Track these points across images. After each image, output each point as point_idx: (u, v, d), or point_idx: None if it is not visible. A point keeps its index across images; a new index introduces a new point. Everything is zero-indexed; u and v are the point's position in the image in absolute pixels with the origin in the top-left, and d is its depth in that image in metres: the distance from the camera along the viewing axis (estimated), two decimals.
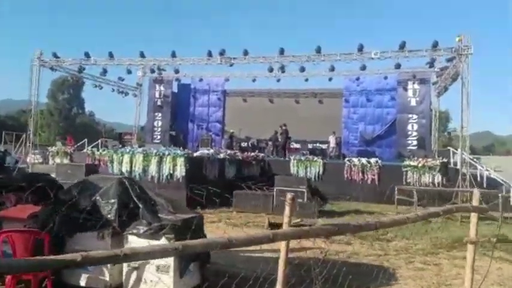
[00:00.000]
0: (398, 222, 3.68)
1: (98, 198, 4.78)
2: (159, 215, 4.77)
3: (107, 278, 4.70)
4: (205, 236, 4.93)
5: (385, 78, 22.26)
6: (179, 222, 4.61)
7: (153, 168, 12.65)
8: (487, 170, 17.97)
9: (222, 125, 25.74)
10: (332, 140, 22.23)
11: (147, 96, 26.72)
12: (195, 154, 13.58)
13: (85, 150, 18.45)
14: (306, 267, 4.57)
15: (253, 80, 23.80)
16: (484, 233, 6.68)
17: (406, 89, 21.48)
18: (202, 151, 14.38)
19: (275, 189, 12.16)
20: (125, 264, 4.69)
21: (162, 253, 2.34)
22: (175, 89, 26.60)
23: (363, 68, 19.19)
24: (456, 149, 20.00)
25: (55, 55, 21.22)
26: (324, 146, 23.61)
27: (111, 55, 20.87)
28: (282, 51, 19.16)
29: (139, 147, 16.24)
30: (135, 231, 4.59)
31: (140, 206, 4.77)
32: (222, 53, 19.71)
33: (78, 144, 24.11)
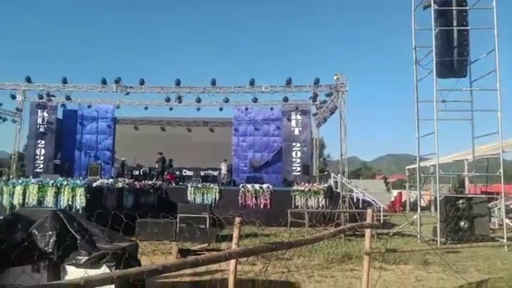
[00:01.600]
0: (318, 238, 4.54)
1: (33, 231, 4.88)
2: (97, 244, 5.03)
3: None
4: (140, 263, 5.29)
5: (271, 109, 24.01)
6: (119, 251, 4.93)
7: (49, 200, 12.14)
8: (362, 192, 20.40)
9: (112, 153, 25.10)
10: (224, 167, 23.15)
11: (27, 122, 25.06)
12: (94, 184, 13.32)
13: None
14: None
15: (146, 108, 23.87)
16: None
17: (290, 120, 23.42)
18: (102, 181, 14.14)
19: (178, 216, 12.50)
20: None
21: (103, 281, 2.73)
22: (60, 115, 25.34)
23: (255, 100, 20.70)
24: (333, 173, 22.31)
25: None
26: (216, 173, 24.44)
27: None
28: (178, 82, 19.76)
29: (19, 177, 15.30)
30: (74, 261, 4.78)
31: (78, 237, 4.98)
32: (117, 81, 19.59)
33: None
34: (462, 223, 12.54)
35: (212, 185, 18.12)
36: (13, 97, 20.67)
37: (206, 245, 10.55)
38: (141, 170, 25.03)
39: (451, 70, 13.73)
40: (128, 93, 20.18)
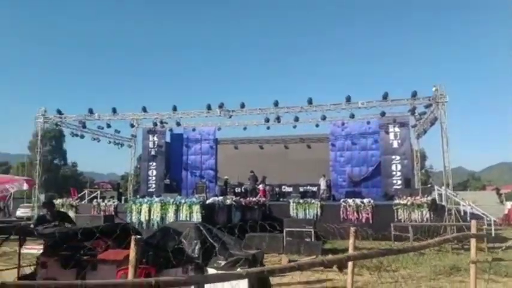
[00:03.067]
0: (425, 246, 5.03)
1: (182, 240, 5.98)
2: (231, 251, 5.99)
3: None
4: None
5: (368, 123, 24.10)
6: (250, 256, 5.84)
7: (170, 216, 13.71)
8: (469, 205, 19.62)
9: (215, 172, 26.91)
10: (323, 183, 23.66)
11: (139, 147, 27.95)
12: (207, 201, 14.71)
13: (94, 202, 19.27)
14: None
15: (244, 128, 25.29)
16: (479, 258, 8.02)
17: (387, 132, 23.32)
18: (214, 198, 15.54)
19: (284, 230, 13.33)
20: None
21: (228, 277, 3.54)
22: (168, 139, 27.84)
23: (352, 116, 21.16)
24: (437, 186, 21.71)
25: (59, 112, 22.39)
26: (315, 189, 25.02)
27: (114, 110, 22.19)
28: (276, 103, 20.91)
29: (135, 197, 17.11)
30: (215, 264, 5.77)
31: (216, 245, 5.98)
32: (221, 106, 21.29)
33: (78, 196, 24.83)
34: None
35: (313, 200, 18.77)
36: (132, 126, 23.35)
37: (314, 257, 11.21)
38: (243, 187, 26.46)
39: None
40: (230, 117, 21.79)
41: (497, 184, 68.50)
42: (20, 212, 29.99)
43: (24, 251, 10.40)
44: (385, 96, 19.59)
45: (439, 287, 8.39)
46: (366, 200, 18.11)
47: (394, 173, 22.70)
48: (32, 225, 8.25)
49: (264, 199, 20.16)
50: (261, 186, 22.95)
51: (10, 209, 30.91)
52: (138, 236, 3.52)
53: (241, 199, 18.07)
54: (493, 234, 16.56)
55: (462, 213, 17.85)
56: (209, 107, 21.71)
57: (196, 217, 13.56)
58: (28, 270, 7.42)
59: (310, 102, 20.54)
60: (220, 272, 5.50)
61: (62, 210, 14.59)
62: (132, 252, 3.47)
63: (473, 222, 6.29)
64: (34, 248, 10.78)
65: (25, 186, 5.79)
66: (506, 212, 30.33)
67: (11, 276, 7.22)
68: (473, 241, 6.19)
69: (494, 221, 20.05)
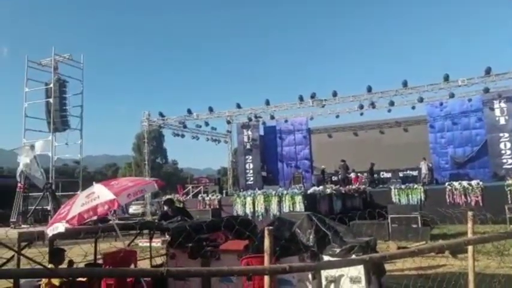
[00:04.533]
0: None
1: (296, 230, 6.29)
2: (344, 239, 6.18)
3: None
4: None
5: (469, 100, 22.69)
6: (364, 243, 5.98)
7: (274, 207, 14.21)
8: None
9: (311, 162, 27.12)
10: (423, 166, 22.76)
11: (235, 141, 29.02)
12: (308, 191, 14.99)
13: (199, 197, 20.47)
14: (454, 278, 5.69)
15: (337, 116, 25.14)
16: None
17: (492, 109, 21.74)
18: (314, 188, 15.78)
19: (389, 217, 13.17)
20: (323, 279, 6.08)
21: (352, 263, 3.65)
22: (261, 132, 28.54)
23: (452, 95, 20.08)
24: None
25: (161, 114, 24.07)
26: (415, 173, 24.16)
27: (211, 109, 23.34)
28: (369, 89, 20.53)
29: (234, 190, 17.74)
30: (330, 252, 6.00)
31: (328, 233, 6.20)
32: (313, 96, 21.41)
33: (183, 192, 26.49)
34: None
35: (416, 185, 18.18)
36: (228, 122, 24.39)
37: (424, 242, 10.99)
38: (339, 176, 26.32)
39: None
40: (323, 106, 21.80)
41: None
42: (133, 209, 32.36)
43: (144, 244, 11.52)
44: (488, 71, 18.31)
45: None
46: (473, 182, 17.14)
47: (503, 151, 21.14)
48: (156, 221, 9.14)
49: (363, 186, 19.94)
50: (352, 175, 22.71)
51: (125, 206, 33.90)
52: (271, 227, 3.85)
53: (341, 187, 18.08)
54: None
55: None
56: (301, 98, 21.93)
57: (299, 207, 13.88)
58: (158, 261, 8.22)
59: (405, 84, 19.87)
60: (341, 258, 5.72)
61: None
62: (266, 241, 3.82)
63: None
64: (153, 242, 11.88)
65: (157, 187, 6.46)
66: None
67: (145, 266, 8.06)
68: None
69: None
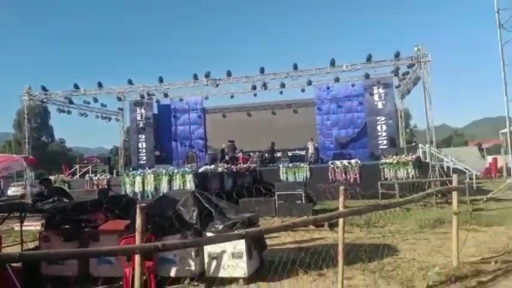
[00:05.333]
0: (410, 200, 5.42)
1: (180, 207, 6.29)
2: (227, 215, 6.34)
3: (192, 268, 6.19)
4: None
5: (353, 85, 24.41)
6: (246, 219, 6.19)
7: (164, 186, 14.04)
8: (452, 161, 20.32)
9: (205, 141, 27.15)
10: (310, 146, 24.08)
11: (127, 120, 27.96)
12: (199, 170, 15.02)
13: (87, 177, 19.45)
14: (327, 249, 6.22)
15: (232, 97, 25.37)
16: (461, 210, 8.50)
17: (372, 94, 23.63)
18: (206, 167, 15.85)
19: (276, 194, 13.75)
20: (205, 255, 6.20)
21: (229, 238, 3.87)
22: (155, 111, 27.80)
23: (337, 79, 21.40)
24: (421, 144, 22.35)
25: (44, 88, 22.21)
26: (303, 152, 25.49)
27: (100, 84, 22.08)
28: (262, 70, 21.02)
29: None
30: (213, 229, 6.12)
31: (212, 210, 6.31)
32: (207, 75, 21.31)
33: (70, 171, 24.96)
34: None
35: (302, 164, 19.22)
36: (118, 99, 23.31)
37: (306, 217, 11.66)
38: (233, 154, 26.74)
39: None
40: (217, 85, 21.85)
41: (481, 139, 70.02)
42: (11, 191, 29.85)
43: (24, 228, 10.69)
44: (368, 59, 19.83)
45: (424, 239, 8.87)
46: (353, 161, 18.61)
47: (379, 133, 23.17)
48: (31, 202, 8.48)
49: (254, 165, 20.53)
50: (240, 154, 23.26)
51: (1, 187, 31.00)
52: (144, 205, 3.80)
53: (233, 166, 18.42)
54: (475, 187, 17.28)
55: (445, 169, 18.51)
56: (196, 77, 21.73)
57: (190, 186, 13.89)
58: (31, 246, 7.68)
59: (295, 67, 20.72)
60: (219, 234, 5.85)
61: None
62: (138, 219, 3.77)
63: (455, 176, 6.74)
64: (32, 225, 11.06)
65: (25, 164, 5.97)
66: (487, 165, 31.31)
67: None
68: (454, 194, 6.64)
69: (476, 175, 20.86)
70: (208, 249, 6.05)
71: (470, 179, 18.18)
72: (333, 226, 10.41)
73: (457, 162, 21.24)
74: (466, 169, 20.39)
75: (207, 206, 6.34)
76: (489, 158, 34.24)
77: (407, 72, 21.18)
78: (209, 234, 6.11)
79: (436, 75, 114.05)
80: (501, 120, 18.42)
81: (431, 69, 18.31)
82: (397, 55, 19.39)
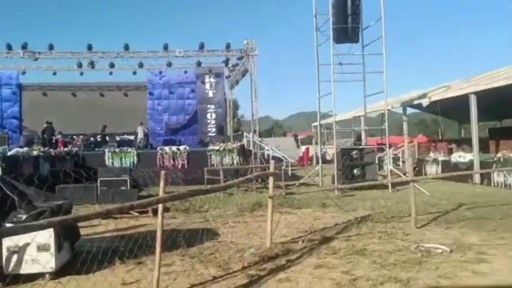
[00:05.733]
0: (230, 185, 5.62)
1: None
2: (34, 204, 5.68)
3: None
4: None
5: (186, 72, 24.44)
6: (56, 207, 5.63)
7: None
8: (272, 149, 22.06)
9: (20, 121, 24.14)
10: (140, 131, 23.38)
11: None
12: (9, 153, 13.23)
13: None
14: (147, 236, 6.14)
15: (54, 73, 23.02)
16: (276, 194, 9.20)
17: (204, 82, 24.12)
18: (17, 149, 14.02)
19: (98, 180, 12.97)
20: (4, 250, 5.45)
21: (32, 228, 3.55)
22: None
23: (169, 64, 21.20)
24: (246, 133, 23.74)
25: None
26: (132, 137, 24.62)
27: None
28: (90, 47, 19.51)
29: None
30: (15, 219, 5.41)
31: (15, 198, 5.58)
32: (24, 47, 18.82)
33: None
34: (355, 171, 14.54)
35: (130, 149, 18.57)
36: None
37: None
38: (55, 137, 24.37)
39: (346, 36, 15.31)
40: (36, 59, 19.52)
41: (297, 131, 77.94)
42: None
43: None
44: (201, 46, 20.13)
45: (243, 222, 9.38)
46: (181, 147, 18.73)
47: (209, 121, 23.81)
48: None
49: (76, 149, 19.04)
50: (59, 137, 21.47)
51: None
52: None
53: (51, 149, 16.76)
54: (290, 174, 19.09)
55: (266, 157, 20.00)
56: (9, 47, 19.01)
57: None
58: None
59: (126, 48, 19.85)
60: (14, 225, 5.21)
61: None
62: None
63: (272, 163, 7.26)
64: None
65: None
66: (301, 154, 34.96)
67: None
68: (271, 179, 7.13)
69: (292, 162, 23.06)
70: (7, 242, 5.33)
71: (287, 166, 20.01)
72: (157, 212, 10.28)
73: (276, 150, 23.17)
74: (284, 157, 22.38)
75: (9, 193, 5.58)
76: (303, 148, 38.26)
77: (237, 64, 22.14)
78: (10, 225, 5.39)
79: (263, 69, 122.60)
80: (314, 115, 20.60)
81: (258, 63, 19.48)
82: (228, 46, 20.13)
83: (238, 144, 19.08)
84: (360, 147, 16.18)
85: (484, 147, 17.00)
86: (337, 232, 7.90)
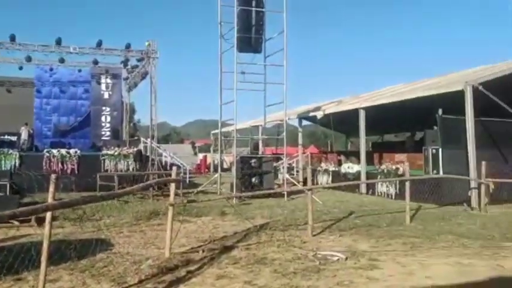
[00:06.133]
0: (128, 191, 5.27)
1: None
2: None
3: None
4: None
5: (79, 70, 22.91)
6: None
7: None
8: (170, 156, 21.61)
9: None
10: (24, 132, 21.32)
11: None
12: None
13: None
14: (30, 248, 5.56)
15: None
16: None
17: (99, 83, 22.86)
18: None
19: None
20: None
21: None
22: None
23: (62, 60, 19.63)
24: (143, 138, 22.98)
25: None
26: (14, 138, 22.36)
27: None
28: None
29: None
30: None
31: None
32: None
33: None
34: (253, 179, 14.79)
35: (11, 151, 16.84)
36: None
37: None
38: None
39: (249, 46, 15.61)
40: None
41: (194, 138, 77.85)
42: None
43: None
44: (99, 44, 19.03)
45: (139, 231, 8.95)
46: (72, 151, 17.46)
47: (103, 124, 22.60)
48: None
49: None
50: None
51: None
52: None
53: None
54: (187, 181, 18.84)
55: (164, 163, 19.51)
56: None
57: None
58: None
59: (13, 39, 18.02)
60: None
61: None
62: None
63: (174, 169, 7.05)
64: None
65: None
66: (198, 162, 34.90)
67: None
68: (172, 185, 6.89)
69: (190, 170, 22.84)
70: None
71: (184, 173, 19.70)
72: (42, 221, 9.39)
73: (174, 157, 22.73)
74: (182, 164, 22.02)
75: None
76: (200, 156, 38.23)
77: (137, 66, 21.35)
78: None
79: (163, 74, 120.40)
80: (212, 123, 20.63)
81: (160, 67, 18.96)
82: (128, 46, 19.32)
83: (135, 149, 18.34)
84: (260, 155, 16.52)
85: (368, 160, 18.34)
86: (237, 241, 7.89)
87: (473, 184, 12.51)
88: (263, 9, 15.63)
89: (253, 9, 15.38)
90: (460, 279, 5.43)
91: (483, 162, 11.96)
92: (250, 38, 15.42)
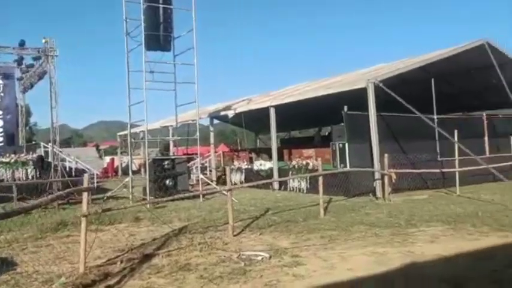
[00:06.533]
0: (37, 205, 4.79)
1: None
2: None
3: None
4: None
5: None
6: None
7: None
8: (75, 161, 20.28)
9: None
10: None
11: None
12: None
13: None
14: None
15: None
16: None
17: None
18: None
19: None
20: None
21: None
22: None
23: None
24: (43, 143, 21.32)
25: None
26: None
27: None
28: None
29: None
30: None
31: None
32: None
33: None
34: (167, 181, 14.40)
35: None
36: None
37: None
38: None
39: (158, 44, 15.12)
40: None
41: (97, 140, 74.10)
42: None
43: None
44: None
45: (46, 245, 8.21)
46: None
47: None
48: None
49: None
50: None
51: None
52: None
53: None
54: (95, 186, 17.82)
55: (68, 169, 18.26)
56: None
57: None
58: None
59: None
60: None
61: None
62: None
63: (86, 176, 6.53)
64: None
65: None
66: (105, 165, 33.26)
67: None
68: (85, 195, 6.40)
69: (97, 174, 21.65)
70: None
71: (92, 178, 18.57)
72: None
73: (79, 162, 21.40)
74: (88, 169, 20.81)
75: None
76: (107, 159, 36.39)
77: (32, 65, 19.63)
78: None
79: (62, 74, 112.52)
80: (115, 124, 19.76)
81: (59, 66, 17.58)
82: (22, 44, 17.67)
83: (35, 155, 16.88)
84: (173, 157, 16.11)
85: (279, 156, 18.77)
86: (157, 247, 7.58)
87: (377, 175, 13.39)
88: (171, 6, 15.21)
89: (161, 6, 14.92)
90: (379, 268, 5.73)
91: (385, 155, 12.84)
92: (159, 36, 14.95)
